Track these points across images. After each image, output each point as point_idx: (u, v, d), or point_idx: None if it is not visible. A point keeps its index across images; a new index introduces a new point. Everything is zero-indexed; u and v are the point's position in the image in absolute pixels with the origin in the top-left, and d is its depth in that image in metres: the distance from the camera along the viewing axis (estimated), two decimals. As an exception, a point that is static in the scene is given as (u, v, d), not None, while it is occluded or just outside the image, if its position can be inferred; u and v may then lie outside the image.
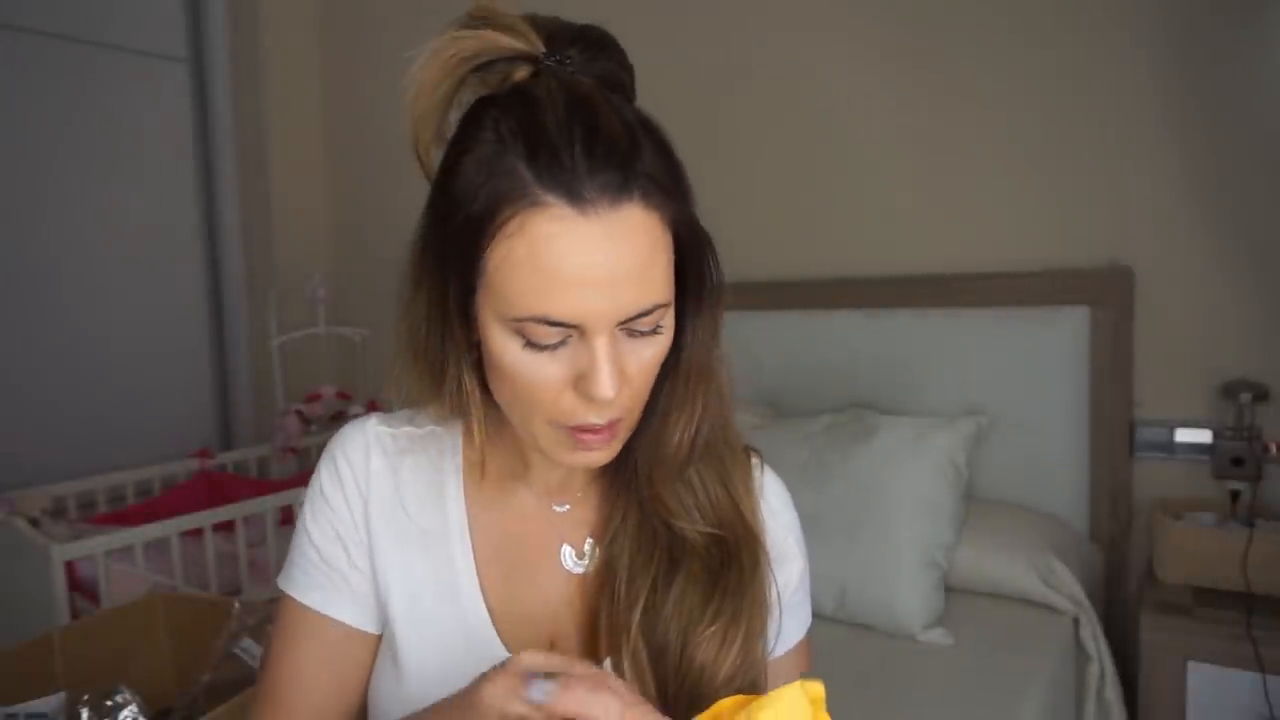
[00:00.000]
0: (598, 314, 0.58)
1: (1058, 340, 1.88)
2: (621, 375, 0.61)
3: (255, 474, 2.61)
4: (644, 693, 0.67)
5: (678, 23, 2.34)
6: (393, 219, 3.31)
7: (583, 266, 0.57)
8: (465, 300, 0.62)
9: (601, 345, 0.59)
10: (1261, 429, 1.74)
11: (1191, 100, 1.80)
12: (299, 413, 2.55)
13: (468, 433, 0.72)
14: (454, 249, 0.61)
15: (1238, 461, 1.73)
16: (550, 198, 0.57)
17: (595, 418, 0.62)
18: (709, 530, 0.70)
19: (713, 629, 0.67)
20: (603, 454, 0.65)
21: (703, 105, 2.27)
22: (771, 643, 0.73)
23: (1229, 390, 1.75)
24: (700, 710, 0.55)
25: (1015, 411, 1.89)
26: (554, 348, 0.60)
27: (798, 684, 0.52)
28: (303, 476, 2.41)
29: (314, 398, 2.64)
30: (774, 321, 2.15)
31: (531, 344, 0.60)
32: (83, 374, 2.49)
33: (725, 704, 0.54)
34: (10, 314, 2.35)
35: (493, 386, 0.66)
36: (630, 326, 0.61)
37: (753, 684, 0.69)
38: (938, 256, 2.06)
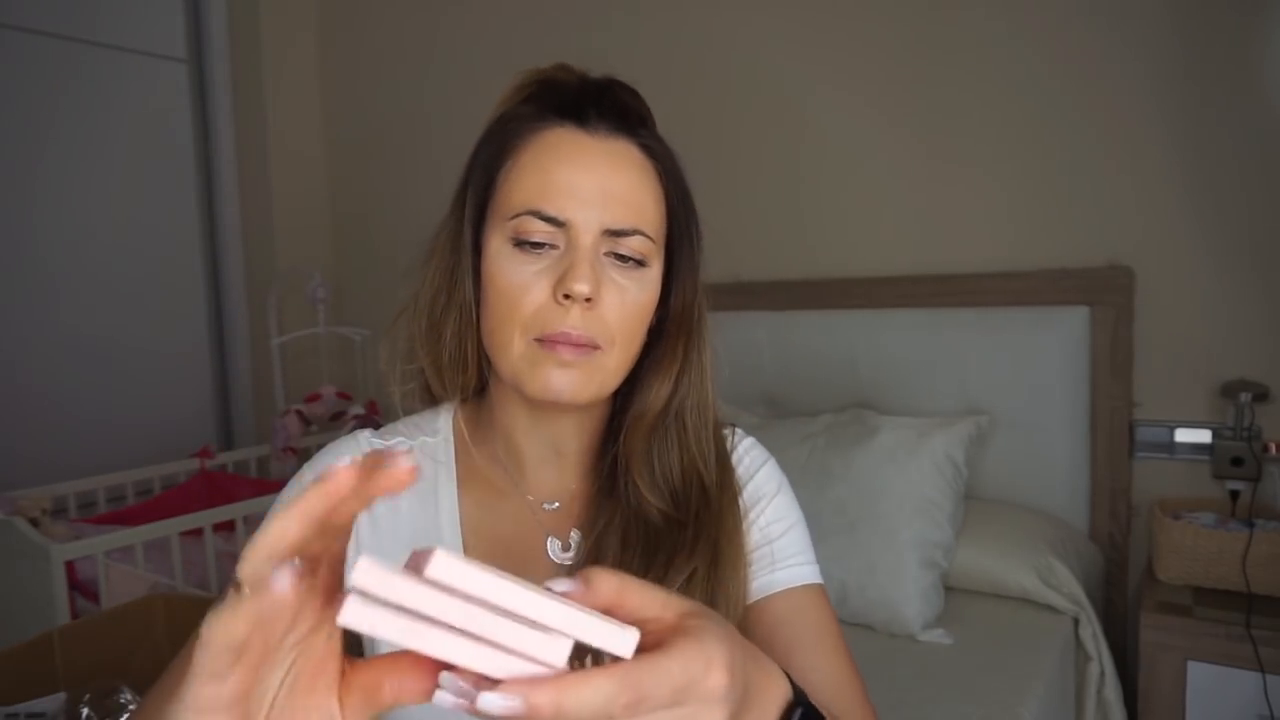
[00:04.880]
0: (585, 215, 0.65)
1: (1058, 340, 1.87)
2: (597, 291, 0.65)
3: (255, 474, 2.61)
4: None
5: (677, 23, 2.34)
6: (393, 219, 3.31)
7: (578, 171, 0.66)
8: (478, 231, 0.69)
9: (583, 246, 0.65)
10: (1261, 429, 1.74)
11: (1191, 100, 1.80)
12: (299, 413, 2.54)
13: (460, 440, 0.76)
14: (472, 185, 0.70)
15: (1237, 461, 1.73)
16: (559, 121, 0.67)
17: (570, 325, 0.64)
18: (667, 504, 0.71)
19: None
20: (576, 376, 0.66)
21: (703, 107, 2.27)
22: (751, 588, 0.73)
23: (1229, 390, 1.75)
24: None
25: (1015, 411, 1.89)
26: (541, 250, 0.66)
27: None
28: (303, 476, 2.41)
29: (314, 398, 2.64)
30: (774, 321, 2.14)
31: (520, 243, 0.66)
32: (83, 374, 2.49)
33: None
34: (10, 314, 2.35)
35: (484, 316, 0.69)
36: (616, 247, 0.66)
37: None
38: (938, 256, 2.06)
